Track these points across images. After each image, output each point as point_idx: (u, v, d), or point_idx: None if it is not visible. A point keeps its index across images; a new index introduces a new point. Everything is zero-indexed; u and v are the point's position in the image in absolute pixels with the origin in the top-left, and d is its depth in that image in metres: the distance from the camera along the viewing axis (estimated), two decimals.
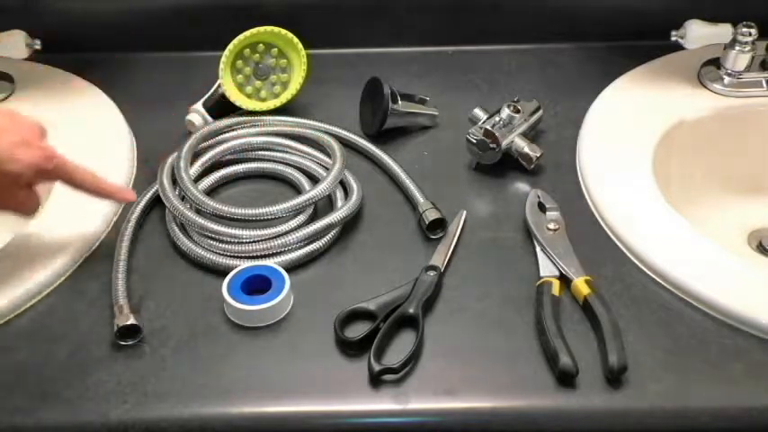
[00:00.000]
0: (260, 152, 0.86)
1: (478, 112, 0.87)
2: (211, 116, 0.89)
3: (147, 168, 0.85)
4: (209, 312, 0.71)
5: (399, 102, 0.88)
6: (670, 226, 0.76)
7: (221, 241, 0.74)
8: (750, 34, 0.88)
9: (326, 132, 0.87)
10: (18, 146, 0.64)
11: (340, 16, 0.99)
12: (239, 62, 0.90)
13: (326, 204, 0.80)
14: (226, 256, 0.74)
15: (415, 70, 1.00)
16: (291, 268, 0.74)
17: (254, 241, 0.74)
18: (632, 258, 0.74)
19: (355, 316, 0.69)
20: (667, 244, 0.74)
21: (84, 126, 0.88)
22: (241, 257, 0.74)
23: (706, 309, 0.69)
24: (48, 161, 0.66)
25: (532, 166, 0.83)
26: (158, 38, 1.01)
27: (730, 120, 0.90)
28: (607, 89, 0.93)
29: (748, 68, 0.90)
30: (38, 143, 0.66)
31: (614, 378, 0.63)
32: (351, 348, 0.67)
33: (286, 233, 0.74)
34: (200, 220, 0.75)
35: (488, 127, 0.83)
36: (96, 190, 0.71)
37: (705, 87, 0.92)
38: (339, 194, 0.80)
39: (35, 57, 0.97)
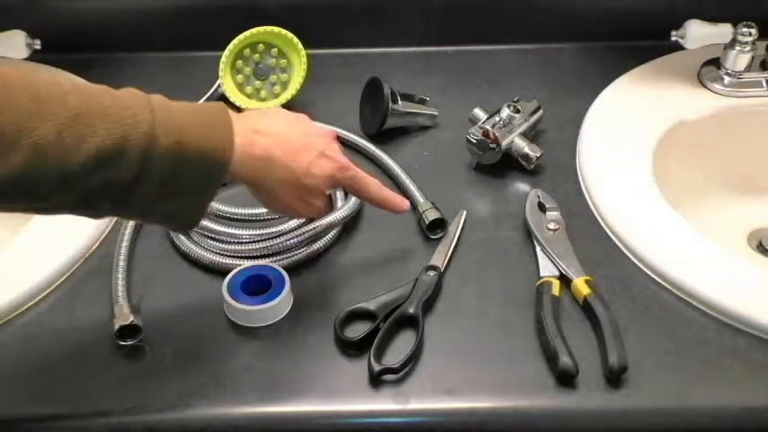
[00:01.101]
0: None
1: (478, 112, 0.87)
2: None
3: None
4: (209, 312, 0.71)
5: (399, 102, 0.88)
6: (670, 226, 0.76)
7: (221, 241, 0.74)
8: (750, 34, 0.88)
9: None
10: (316, 161, 0.65)
11: (340, 16, 0.99)
12: (239, 62, 0.90)
13: (326, 204, 0.80)
14: (226, 256, 0.74)
15: (415, 70, 1.00)
16: (291, 268, 0.74)
17: (254, 241, 0.74)
18: (632, 258, 0.74)
19: (355, 316, 0.69)
20: (667, 244, 0.74)
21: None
22: (241, 257, 0.74)
23: (706, 309, 0.69)
24: (341, 172, 0.67)
25: (532, 166, 0.83)
26: (158, 38, 1.01)
27: (730, 120, 0.90)
28: (607, 89, 0.93)
29: (748, 68, 0.90)
30: (332, 154, 0.67)
31: (614, 378, 0.63)
32: (351, 348, 0.67)
33: (286, 233, 0.74)
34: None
35: (488, 127, 0.83)
36: (381, 201, 0.72)
37: (705, 87, 0.92)
38: (339, 194, 0.80)
39: (35, 57, 0.97)
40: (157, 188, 0.56)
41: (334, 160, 0.67)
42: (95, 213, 0.58)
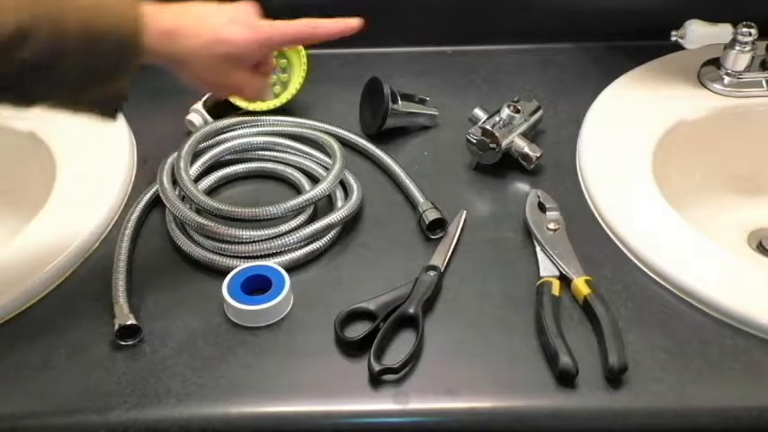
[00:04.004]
0: (260, 152, 0.86)
1: (478, 112, 0.87)
2: (211, 116, 0.89)
3: (147, 168, 0.85)
4: (209, 312, 0.71)
5: (399, 102, 0.88)
6: (670, 226, 0.76)
7: (221, 241, 0.74)
8: (750, 34, 0.88)
9: (326, 132, 0.87)
10: (224, 26, 0.63)
11: (340, 16, 0.99)
12: None
13: (326, 204, 0.80)
14: (226, 256, 0.74)
15: (415, 70, 1.00)
16: (291, 268, 0.74)
17: (254, 241, 0.74)
18: (632, 258, 0.74)
19: (355, 316, 0.69)
20: (667, 244, 0.74)
21: (84, 126, 0.88)
22: (241, 257, 0.74)
23: (706, 309, 0.69)
24: (258, 32, 0.65)
25: (532, 166, 0.83)
26: None
27: (730, 120, 0.90)
28: (607, 89, 0.93)
29: (748, 68, 0.90)
30: (246, 20, 0.65)
31: (614, 378, 0.63)
32: (351, 348, 0.67)
33: (286, 233, 0.74)
34: (201, 220, 0.75)
35: (488, 127, 0.83)
36: (318, 37, 0.69)
37: (705, 87, 0.92)
38: (339, 194, 0.80)
39: None
40: (78, 71, 0.57)
41: (248, 25, 0.65)
42: (26, 102, 0.60)
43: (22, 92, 0.59)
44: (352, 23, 0.70)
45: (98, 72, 0.59)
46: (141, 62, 0.60)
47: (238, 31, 0.64)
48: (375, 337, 0.66)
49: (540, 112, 0.88)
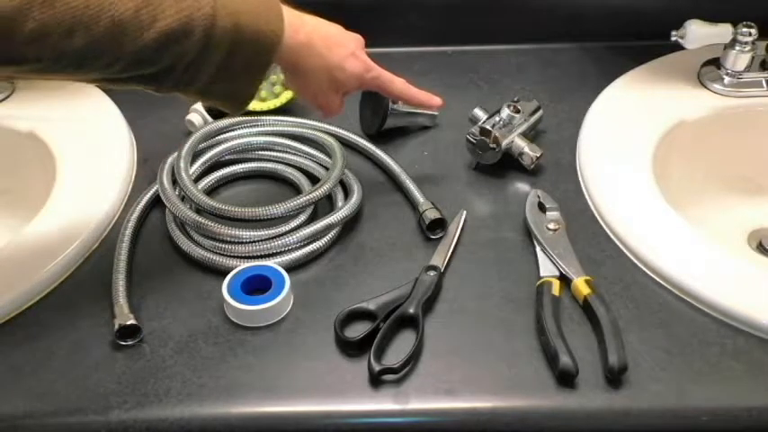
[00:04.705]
0: (260, 152, 0.86)
1: (478, 112, 0.87)
2: (211, 116, 0.89)
3: (147, 168, 0.85)
4: (209, 312, 0.71)
5: (399, 102, 0.88)
6: (670, 226, 0.76)
7: (221, 241, 0.74)
8: (750, 34, 0.88)
9: (326, 132, 0.87)
10: (348, 57, 0.72)
11: (340, 16, 0.99)
12: None
13: (326, 204, 0.80)
14: (226, 256, 0.74)
15: (416, 70, 1.00)
16: (291, 268, 0.74)
17: (254, 241, 0.74)
18: (632, 258, 0.74)
19: (355, 316, 0.69)
20: (667, 244, 0.74)
21: (85, 126, 0.88)
22: (241, 257, 0.74)
23: (706, 309, 0.69)
24: (368, 72, 0.74)
25: (532, 166, 0.83)
26: None
27: (730, 120, 0.90)
28: (607, 89, 0.93)
29: (748, 68, 0.90)
30: (362, 56, 0.74)
31: (614, 378, 0.63)
32: (351, 348, 0.67)
33: (286, 233, 0.74)
34: (201, 220, 0.75)
35: (488, 127, 0.83)
36: (408, 98, 0.79)
37: (705, 87, 0.92)
38: (339, 194, 0.80)
39: None
40: (217, 67, 0.62)
41: (363, 62, 0.74)
42: (160, 88, 0.63)
43: (163, 81, 0.62)
44: (436, 100, 0.81)
45: (233, 70, 0.63)
46: (273, 63, 0.66)
47: (357, 65, 0.73)
48: (375, 338, 0.66)
49: (540, 112, 0.88)
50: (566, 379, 0.64)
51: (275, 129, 0.87)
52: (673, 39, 0.89)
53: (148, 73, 0.60)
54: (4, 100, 0.92)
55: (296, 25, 0.67)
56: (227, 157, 0.85)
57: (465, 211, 0.79)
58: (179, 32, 0.59)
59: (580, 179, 0.83)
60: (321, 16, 0.71)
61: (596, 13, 1.01)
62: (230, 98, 0.66)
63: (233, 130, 0.86)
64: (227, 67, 0.63)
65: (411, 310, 0.69)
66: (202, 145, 0.84)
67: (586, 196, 0.81)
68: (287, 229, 0.75)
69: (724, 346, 0.67)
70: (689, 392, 0.63)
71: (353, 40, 0.74)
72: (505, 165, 0.84)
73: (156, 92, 0.64)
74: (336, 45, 0.71)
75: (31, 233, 0.76)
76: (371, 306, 0.69)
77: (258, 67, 0.65)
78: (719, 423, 0.63)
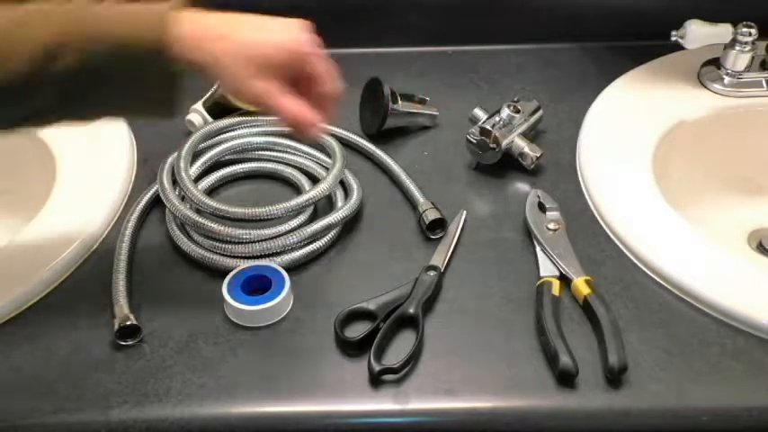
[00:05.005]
0: (260, 152, 0.86)
1: (478, 112, 0.87)
2: (211, 116, 0.89)
3: (147, 168, 0.85)
4: (209, 312, 0.71)
5: (399, 102, 0.88)
6: (670, 226, 0.76)
7: (221, 241, 0.74)
8: (750, 34, 0.88)
9: (326, 132, 0.86)
10: (261, 30, 0.62)
11: (341, 16, 0.99)
12: None
13: (326, 204, 0.80)
14: (226, 256, 0.74)
15: (415, 70, 1.00)
16: (291, 268, 0.74)
17: (254, 241, 0.74)
18: (632, 258, 0.74)
19: (355, 316, 0.69)
20: (667, 244, 0.74)
21: (84, 126, 0.88)
22: (241, 257, 0.74)
23: (706, 309, 0.69)
24: (291, 43, 0.62)
25: (532, 166, 0.83)
26: None
27: (730, 120, 0.90)
28: (607, 89, 0.93)
29: (748, 68, 0.90)
30: (281, 28, 0.63)
31: (614, 378, 0.63)
32: (351, 348, 0.67)
33: (286, 233, 0.74)
34: (201, 220, 0.75)
35: (488, 127, 0.83)
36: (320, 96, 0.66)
37: (705, 87, 0.92)
38: (339, 194, 0.80)
39: None
40: (113, 82, 0.59)
41: (282, 33, 0.63)
42: (78, 116, 0.62)
43: (67, 106, 0.60)
44: (309, 117, 0.65)
45: (135, 81, 0.60)
46: (177, 69, 0.60)
47: (268, 37, 0.62)
48: (375, 337, 0.66)
49: (540, 112, 0.88)
50: (566, 379, 0.64)
51: (275, 129, 0.87)
52: (673, 39, 0.89)
53: (52, 96, 0.59)
54: None
55: (191, 22, 0.59)
56: (227, 157, 0.85)
57: (465, 211, 0.79)
58: (46, 54, 0.57)
59: (580, 179, 0.83)
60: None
61: (596, 13, 1.01)
62: (152, 111, 0.62)
63: (233, 130, 0.86)
64: (125, 80, 0.59)
65: (411, 310, 0.69)
66: (202, 145, 0.84)
67: (586, 196, 0.81)
68: (287, 229, 0.75)
69: (724, 346, 0.67)
70: (689, 392, 0.63)
71: (274, 19, 0.63)
72: (505, 165, 0.84)
73: (80, 121, 0.63)
74: (243, 24, 0.62)
75: (31, 233, 0.76)
76: (371, 306, 0.69)
77: (156, 73, 0.59)
78: (719, 423, 0.63)
